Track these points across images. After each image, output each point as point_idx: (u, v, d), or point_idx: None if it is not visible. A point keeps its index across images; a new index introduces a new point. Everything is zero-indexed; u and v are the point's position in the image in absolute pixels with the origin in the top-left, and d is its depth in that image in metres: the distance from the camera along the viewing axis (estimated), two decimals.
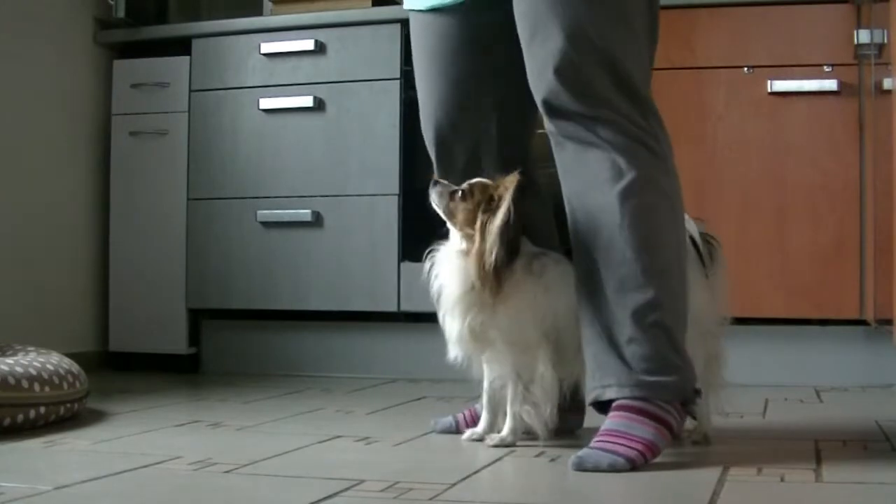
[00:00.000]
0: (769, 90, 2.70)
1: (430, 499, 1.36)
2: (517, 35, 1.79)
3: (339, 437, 1.91)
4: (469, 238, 1.76)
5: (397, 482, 1.46)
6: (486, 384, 1.85)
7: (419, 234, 2.94)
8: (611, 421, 1.64)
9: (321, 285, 3.03)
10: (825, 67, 2.67)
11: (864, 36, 2.53)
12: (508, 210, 1.69)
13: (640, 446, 1.60)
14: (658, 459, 1.65)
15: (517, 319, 1.74)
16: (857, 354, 2.72)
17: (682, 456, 1.71)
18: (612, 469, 1.56)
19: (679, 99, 2.72)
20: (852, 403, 2.41)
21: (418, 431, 1.97)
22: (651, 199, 1.69)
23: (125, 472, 1.57)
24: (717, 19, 2.76)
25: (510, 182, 1.72)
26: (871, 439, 1.83)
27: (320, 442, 1.86)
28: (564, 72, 1.69)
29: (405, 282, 2.95)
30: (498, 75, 1.91)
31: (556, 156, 1.75)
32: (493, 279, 1.71)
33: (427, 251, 1.86)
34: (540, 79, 1.73)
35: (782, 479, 1.48)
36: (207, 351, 3.22)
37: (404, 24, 2.97)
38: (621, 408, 1.65)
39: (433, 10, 1.90)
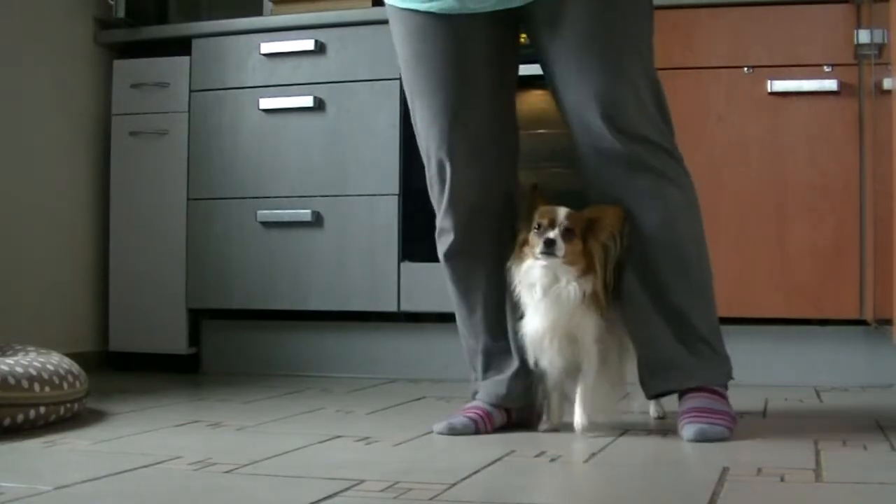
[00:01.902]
0: (769, 90, 2.70)
1: (430, 499, 1.36)
2: (514, 44, 1.97)
3: (339, 437, 1.91)
4: (579, 269, 1.87)
5: (397, 482, 1.46)
6: (550, 381, 1.95)
7: (419, 234, 2.95)
8: (697, 400, 1.90)
9: (321, 285, 3.03)
10: (825, 67, 2.67)
11: (864, 36, 2.53)
12: (622, 238, 1.89)
13: (730, 419, 1.88)
14: (658, 459, 1.68)
15: (600, 321, 1.90)
16: (857, 354, 2.72)
17: (683, 456, 1.71)
18: (720, 438, 1.82)
19: (679, 99, 2.70)
20: (852, 403, 2.41)
21: (418, 431, 1.97)
22: (696, 214, 1.96)
23: (125, 472, 1.57)
24: (717, 19, 2.76)
25: (616, 216, 1.89)
26: (871, 439, 1.83)
27: (320, 442, 1.86)
28: (627, 96, 1.86)
29: (405, 282, 2.95)
30: (501, 79, 1.97)
31: (606, 172, 1.91)
32: (604, 290, 1.89)
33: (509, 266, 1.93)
34: (602, 99, 1.85)
35: (782, 479, 1.48)
36: (207, 351, 3.22)
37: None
38: (701, 390, 1.92)
39: (460, 14, 1.89)
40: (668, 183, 1.91)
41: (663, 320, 1.93)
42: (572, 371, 1.93)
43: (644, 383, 1.99)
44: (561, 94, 1.92)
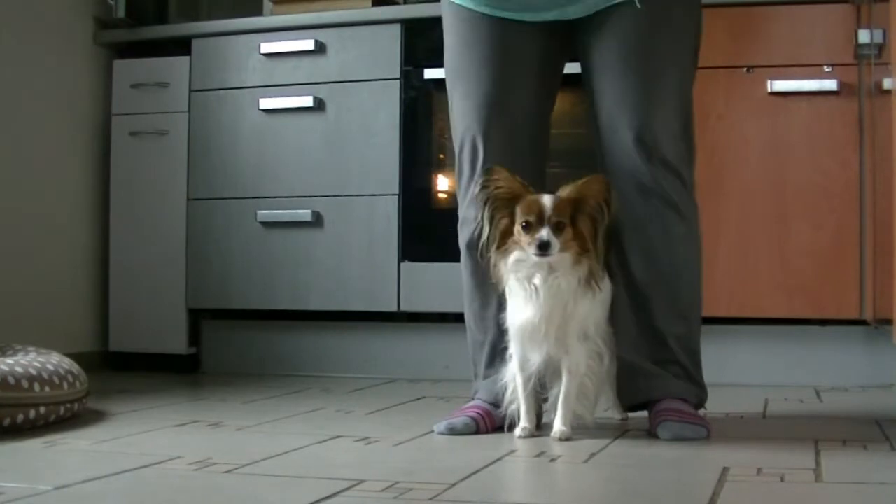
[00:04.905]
0: (769, 90, 2.70)
1: (430, 499, 1.36)
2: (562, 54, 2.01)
3: (339, 437, 1.91)
4: (573, 253, 1.82)
5: (397, 482, 1.46)
6: (521, 382, 1.90)
7: (419, 234, 2.95)
8: (671, 403, 1.91)
9: (321, 285, 3.03)
10: (825, 67, 2.67)
11: (864, 36, 2.53)
12: (609, 208, 1.82)
13: (706, 423, 1.88)
14: (658, 459, 1.68)
15: (591, 316, 1.87)
16: (857, 354, 2.72)
17: (682, 456, 1.71)
18: (698, 437, 1.84)
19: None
20: (852, 403, 2.41)
21: (418, 431, 1.97)
22: (695, 248, 1.98)
23: (125, 472, 1.57)
24: (717, 19, 2.75)
25: (600, 185, 1.81)
26: (871, 439, 1.83)
27: (320, 442, 1.86)
28: (658, 115, 1.89)
29: (405, 282, 2.95)
30: (545, 78, 2.01)
31: (618, 185, 1.89)
32: (599, 275, 1.85)
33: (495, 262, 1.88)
34: (635, 114, 1.88)
35: (782, 479, 1.48)
36: (207, 351, 3.22)
37: (404, 23, 2.97)
38: (675, 399, 1.92)
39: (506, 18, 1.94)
40: (673, 213, 1.92)
41: (643, 339, 1.95)
42: (552, 370, 1.89)
43: (621, 393, 1.99)
44: (596, 103, 1.96)
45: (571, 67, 2.09)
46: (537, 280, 1.82)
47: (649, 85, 1.90)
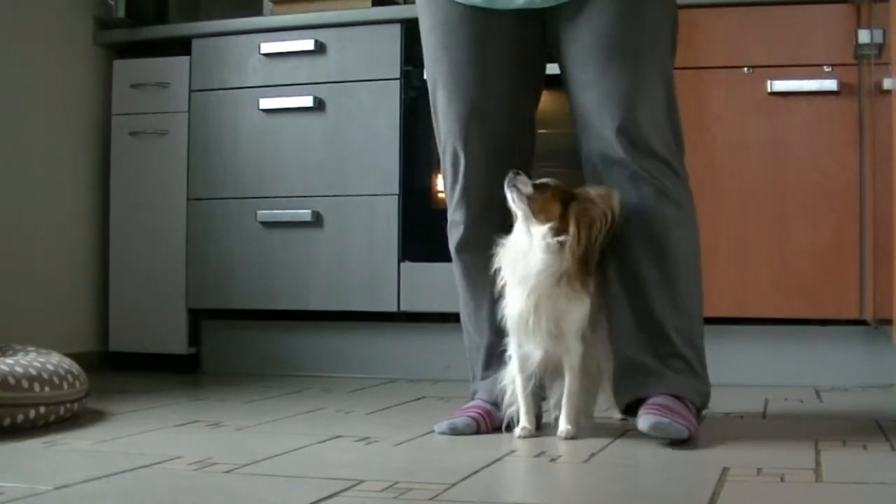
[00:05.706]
0: (769, 90, 2.70)
1: (430, 499, 1.36)
2: (541, 47, 1.98)
3: (339, 437, 1.91)
4: (552, 228, 1.83)
5: (397, 482, 1.46)
6: (521, 384, 1.90)
7: (419, 234, 2.95)
8: (663, 399, 1.84)
9: (321, 285, 3.03)
10: (825, 67, 2.67)
11: (864, 36, 2.53)
12: (613, 220, 1.84)
13: (693, 426, 1.78)
14: (658, 459, 1.68)
15: (586, 314, 1.86)
16: (857, 354, 2.72)
17: (683, 456, 1.71)
18: (678, 435, 1.75)
19: (679, 99, 2.71)
20: (852, 403, 2.41)
21: (418, 431, 1.97)
22: (691, 234, 1.95)
23: (125, 472, 1.57)
24: (717, 19, 2.76)
25: (606, 196, 1.85)
26: (871, 439, 1.83)
27: (320, 442, 1.86)
28: (643, 107, 1.87)
29: (405, 282, 2.95)
30: (524, 77, 1.99)
31: (608, 176, 1.91)
32: (584, 270, 1.83)
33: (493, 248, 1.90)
34: (618, 107, 1.86)
35: (782, 479, 1.48)
36: (207, 351, 3.22)
37: (404, 24, 2.97)
38: (671, 396, 1.85)
39: (487, 9, 1.92)
40: (666, 200, 1.90)
41: (640, 330, 1.90)
42: (552, 369, 1.90)
43: (617, 391, 1.94)
44: (575, 96, 1.93)
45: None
46: (511, 249, 1.85)
47: (633, 77, 1.87)
